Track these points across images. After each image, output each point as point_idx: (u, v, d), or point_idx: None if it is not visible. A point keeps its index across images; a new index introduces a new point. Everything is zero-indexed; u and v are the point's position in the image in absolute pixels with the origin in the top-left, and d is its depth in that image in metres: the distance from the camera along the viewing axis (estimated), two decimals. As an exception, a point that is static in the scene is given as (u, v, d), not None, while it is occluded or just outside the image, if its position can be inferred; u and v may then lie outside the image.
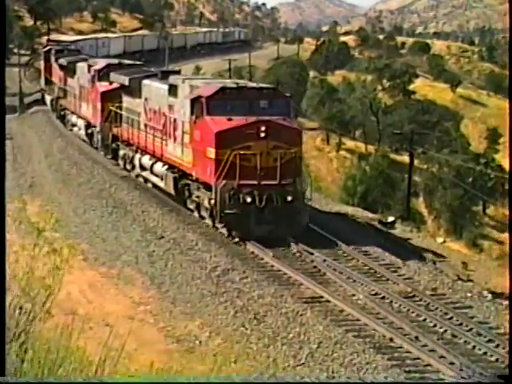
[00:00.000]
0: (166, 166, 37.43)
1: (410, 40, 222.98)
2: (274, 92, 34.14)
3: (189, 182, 34.54)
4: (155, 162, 39.34)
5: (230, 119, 31.34)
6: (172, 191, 36.45)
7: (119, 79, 45.44)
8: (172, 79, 37.49)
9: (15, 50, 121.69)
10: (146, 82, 41.19)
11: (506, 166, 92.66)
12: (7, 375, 5.73)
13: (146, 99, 40.72)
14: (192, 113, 32.90)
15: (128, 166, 44.93)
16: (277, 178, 30.68)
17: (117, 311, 23.01)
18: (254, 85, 35.77)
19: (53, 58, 72.65)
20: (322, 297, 25.70)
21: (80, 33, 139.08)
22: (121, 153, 46.26)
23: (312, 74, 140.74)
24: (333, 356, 21.61)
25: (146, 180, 41.85)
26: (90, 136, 53.86)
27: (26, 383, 5.77)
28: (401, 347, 22.01)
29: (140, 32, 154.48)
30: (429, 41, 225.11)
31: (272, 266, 28.81)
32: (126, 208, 38.20)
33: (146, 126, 40.57)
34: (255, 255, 29.89)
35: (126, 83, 43.43)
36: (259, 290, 26.58)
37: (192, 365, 8.03)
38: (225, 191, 30.41)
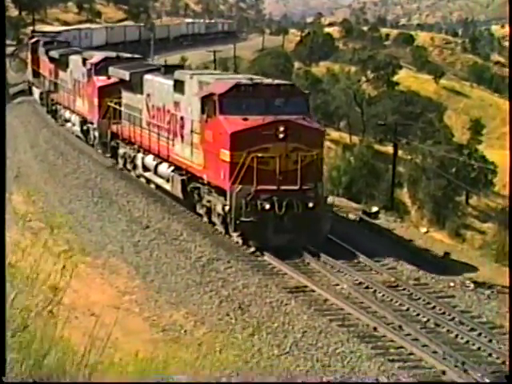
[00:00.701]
0: (173, 168, 34.40)
1: (394, 31, 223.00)
2: (292, 89, 30.62)
3: (199, 185, 31.55)
4: (160, 162, 36.24)
5: (245, 119, 28.23)
6: (180, 195, 33.36)
7: (119, 73, 42.39)
8: (177, 74, 34.39)
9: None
10: (148, 76, 38.16)
11: (489, 156, 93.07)
12: (7, 375, 5.67)
13: (148, 95, 37.69)
14: (203, 111, 29.87)
15: (129, 166, 41.89)
16: (297, 183, 27.62)
17: (102, 301, 23.01)
18: (270, 81, 31.84)
19: (41, 50, 70.27)
20: (306, 286, 25.75)
21: (65, 23, 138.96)
22: (120, 151, 43.09)
23: (297, 65, 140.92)
24: (317, 345, 21.65)
25: (149, 181, 38.91)
26: (86, 133, 50.96)
27: (27, 383, 5.70)
28: (384, 336, 22.08)
29: (122, 23, 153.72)
30: (412, 32, 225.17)
31: (256, 256, 28.81)
32: (111, 198, 38.18)
33: (148, 123, 37.59)
34: (239, 245, 29.86)
35: (127, 78, 40.32)
36: (244, 280, 26.62)
37: (177, 354, 8.06)
38: (241, 197, 27.39)
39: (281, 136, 27.52)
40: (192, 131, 31.16)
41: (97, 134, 46.85)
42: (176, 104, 33.41)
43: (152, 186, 38.36)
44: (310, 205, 27.36)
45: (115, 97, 42.25)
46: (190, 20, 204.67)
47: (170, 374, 6.93)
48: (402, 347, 21.35)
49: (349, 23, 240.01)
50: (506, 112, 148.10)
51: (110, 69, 44.02)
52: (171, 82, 34.05)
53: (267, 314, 23.87)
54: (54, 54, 61.23)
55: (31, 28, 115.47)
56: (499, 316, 24.23)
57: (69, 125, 55.64)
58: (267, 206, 27.04)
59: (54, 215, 34.51)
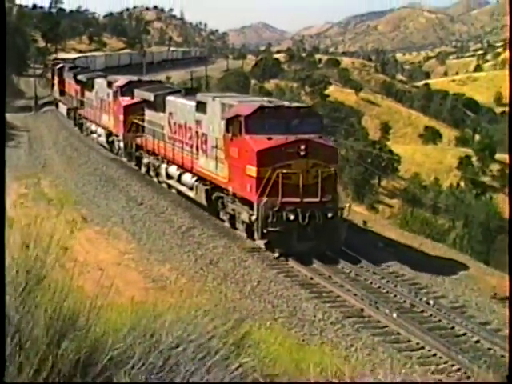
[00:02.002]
0: (196, 178, 30.77)
1: (325, 57, 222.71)
2: (309, 110, 27.63)
3: (222, 194, 28.00)
4: (183, 172, 32.49)
5: (269, 138, 24.88)
6: (204, 202, 29.72)
7: (144, 95, 38.71)
8: (199, 97, 31.21)
9: (31, 65, 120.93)
10: (170, 98, 34.53)
11: (395, 150, 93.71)
12: (6, 376, 5.44)
13: (170, 113, 33.98)
14: (228, 130, 26.39)
15: (152, 173, 37.84)
16: (318, 196, 24.30)
17: (107, 259, 22.91)
18: (290, 104, 28.46)
19: (67, 74, 67.38)
20: (260, 248, 25.71)
21: (80, 52, 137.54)
22: (145, 161, 39.04)
23: (253, 82, 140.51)
24: (269, 291, 21.64)
25: (170, 186, 35.02)
26: (111, 143, 46.90)
27: (26, 383, 5.33)
28: (318, 284, 22.10)
29: (121, 51, 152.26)
30: (338, 58, 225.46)
31: (223, 226, 28.73)
32: (114, 182, 38.01)
33: (170, 138, 33.84)
34: (211, 217, 29.78)
35: (151, 99, 36.70)
36: (214, 243, 26.55)
37: (164, 298, 8.05)
38: (267, 209, 23.98)
39: (302, 153, 24.37)
40: (216, 147, 27.77)
41: (122, 145, 43.54)
42: (198, 122, 30.17)
43: (173, 191, 34.65)
44: (330, 215, 24.17)
45: (138, 114, 39.22)
46: (171, 48, 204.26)
47: (158, 313, 6.89)
48: (331, 291, 21.39)
49: (291, 51, 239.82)
50: (407, 117, 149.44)
51: (136, 91, 40.65)
52: (193, 103, 30.81)
53: (231, 268, 23.84)
54: (82, 77, 57.79)
55: (54, 55, 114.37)
56: (401, 267, 24.39)
57: (94, 136, 52.05)
58: (292, 217, 23.80)
59: (71, 195, 34.36)
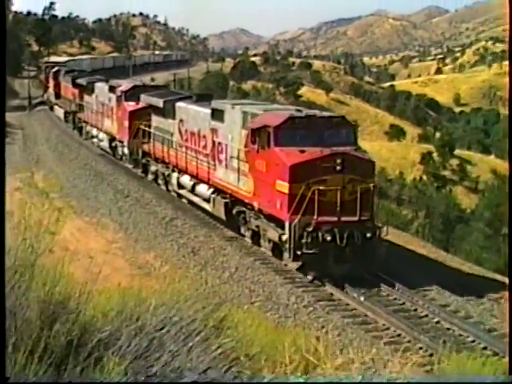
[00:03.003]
0: (212, 189, 26.85)
1: (298, 60, 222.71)
2: (342, 120, 23.29)
3: (244, 209, 24.27)
4: (197, 183, 28.52)
5: (302, 151, 21.09)
6: (223, 216, 25.77)
7: (152, 101, 34.44)
8: (216, 104, 27.27)
9: (25, 67, 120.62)
10: (181, 104, 30.63)
11: (362, 146, 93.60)
12: (6, 376, 5.37)
13: (181, 120, 30.14)
14: (253, 141, 22.58)
15: (160, 181, 33.76)
16: (356, 214, 20.60)
17: (97, 247, 22.86)
18: (321, 113, 24.62)
19: (64, 77, 63.71)
20: (237, 237, 25.69)
21: (70, 55, 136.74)
22: (152, 168, 34.67)
23: (231, 83, 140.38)
24: (246, 277, 21.66)
25: (180, 195, 31.22)
26: (114, 148, 42.84)
27: (26, 383, 5.33)
28: (291, 270, 22.01)
29: (108, 55, 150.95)
30: (310, 61, 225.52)
31: (203, 217, 28.67)
32: (102, 176, 37.91)
33: (181, 146, 29.94)
34: (192, 208, 29.73)
35: (160, 105, 32.55)
36: (195, 232, 26.55)
37: (148, 284, 8.05)
38: (301, 228, 20.35)
39: (338, 168, 20.63)
40: (238, 158, 23.93)
41: (126, 151, 39.53)
42: (213, 130, 26.43)
43: (184, 200, 30.90)
44: (368, 235, 20.57)
45: (144, 120, 35.22)
46: (155, 52, 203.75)
47: (143, 298, 6.88)
48: (303, 278, 21.31)
49: (267, 54, 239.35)
50: (374, 116, 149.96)
51: (142, 96, 36.40)
52: (207, 110, 27.09)
53: (211, 255, 23.85)
54: (81, 81, 53.65)
55: (46, 58, 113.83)
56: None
57: (95, 140, 47.75)
58: (329, 238, 20.16)
59: (62, 188, 34.23)
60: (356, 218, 20.54)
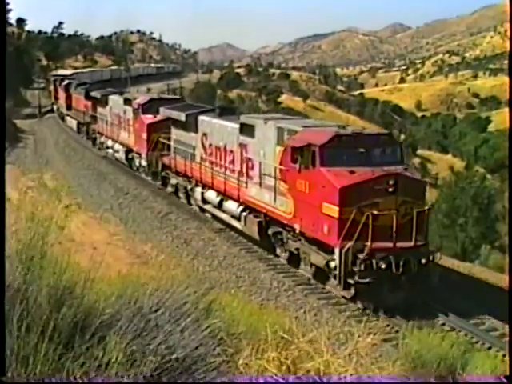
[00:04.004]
0: (242, 207, 23.36)
1: (278, 71, 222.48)
2: (389, 138, 19.79)
3: (280, 229, 20.79)
4: (225, 199, 24.91)
5: (352, 172, 17.68)
6: (256, 236, 22.30)
7: (173, 114, 30.35)
8: (245, 119, 23.65)
9: (36, 80, 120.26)
10: (204, 118, 26.95)
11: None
12: (7, 376, 5.28)
13: (204, 134, 26.53)
14: (294, 160, 19.03)
15: (181, 195, 30.17)
16: (412, 239, 17.21)
17: (100, 239, 22.76)
18: (369, 131, 21.61)
19: (74, 90, 61.21)
20: (225, 229, 25.67)
21: (75, 68, 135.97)
22: (172, 181, 30.93)
23: (219, 91, 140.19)
24: (233, 264, 21.68)
25: (203, 209, 27.69)
26: (130, 160, 38.74)
27: (26, 383, 5.24)
28: (274, 259, 22.08)
29: (107, 68, 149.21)
30: (289, 72, 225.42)
31: (195, 211, 28.64)
32: (105, 176, 37.83)
33: (204, 160, 26.51)
34: (184, 204, 29.67)
35: (183, 119, 28.57)
36: (187, 225, 26.53)
37: (146, 272, 8.08)
38: (353, 255, 17.12)
39: (390, 190, 17.39)
40: (275, 178, 20.42)
41: (144, 162, 35.74)
42: (242, 146, 23.05)
43: (207, 214, 27.51)
44: (423, 261, 17.36)
45: (162, 132, 31.84)
46: (150, 65, 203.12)
47: (141, 284, 6.91)
48: (284, 264, 21.35)
49: (250, 66, 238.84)
50: (346, 120, 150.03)
51: (162, 109, 32.47)
52: (235, 125, 23.77)
53: (202, 245, 23.86)
54: (96, 94, 49.55)
55: (54, 72, 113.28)
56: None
57: (110, 151, 43.50)
58: (383, 266, 16.88)
59: (69, 187, 34.13)
60: (411, 244, 17.26)
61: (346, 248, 16.96)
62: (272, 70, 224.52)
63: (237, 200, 23.61)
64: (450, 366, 10.10)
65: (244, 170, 22.92)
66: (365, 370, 6.58)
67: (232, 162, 24.01)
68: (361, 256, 16.91)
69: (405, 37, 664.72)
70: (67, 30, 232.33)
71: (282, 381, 5.98)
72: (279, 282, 19.70)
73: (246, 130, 22.71)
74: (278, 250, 21.48)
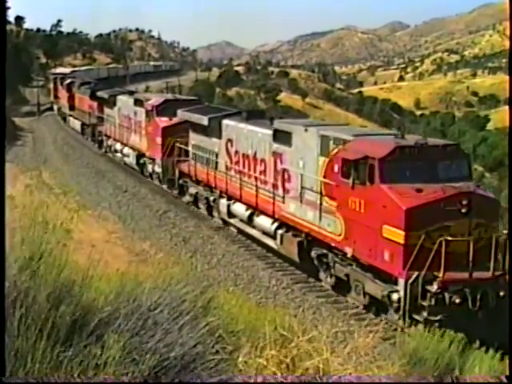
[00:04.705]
0: (277, 224, 20.72)
1: (277, 69, 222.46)
2: (456, 150, 16.69)
3: (326, 251, 18.18)
4: (256, 214, 22.35)
5: (419, 190, 15.06)
6: (295, 257, 19.64)
7: (193, 117, 27.53)
8: (279, 124, 20.97)
9: (35, 78, 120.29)
10: (229, 122, 24.35)
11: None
12: (7, 376, 5.25)
13: (229, 140, 24.09)
14: (344, 175, 16.43)
15: (201, 205, 27.66)
16: (489, 269, 14.57)
17: (98, 237, 22.73)
18: (433, 141, 17.00)
19: (77, 89, 57.84)
20: (224, 227, 25.62)
21: (74, 66, 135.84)
22: (192, 190, 28.20)
23: (218, 89, 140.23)
24: (231, 262, 21.67)
25: (226, 222, 25.21)
26: (142, 165, 35.74)
27: (26, 383, 5.20)
28: (273, 257, 22.06)
29: (97, 67, 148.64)
30: (288, 70, 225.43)
31: (192, 209, 28.58)
32: (103, 174, 37.81)
33: (230, 169, 24.10)
34: (184, 203, 29.65)
35: (205, 123, 25.83)
36: (186, 223, 26.50)
37: (144, 269, 8.05)
38: (421, 287, 14.52)
39: (463, 210, 14.83)
40: (320, 193, 17.79)
41: (157, 169, 32.76)
42: (276, 155, 20.64)
43: (232, 228, 25.02)
44: (502, 294, 14.59)
45: (177, 137, 29.36)
46: (140, 62, 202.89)
47: (139, 282, 6.90)
48: (282, 263, 21.32)
49: (249, 64, 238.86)
50: (345, 118, 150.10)
51: (179, 112, 29.60)
52: (267, 131, 21.30)
53: (201, 243, 23.83)
54: (103, 94, 46.37)
55: (53, 70, 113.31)
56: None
57: (119, 155, 40.57)
58: (458, 300, 14.31)
59: (67, 185, 34.10)
60: (489, 275, 14.65)
61: (412, 279, 14.57)
62: (271, 68, 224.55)
63: (271, 216, 21.09)
64: (447, 364, 10.08)
65: (279, 183, 20.49)
66: (364, 369, 6.58)
67: (264, 172, 21.62)
68: (430, 288, 14.50)
69: (404, 35, 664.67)
70: (66, 27, 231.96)
71: (281, 379, 5.98)
72: (277, 280, 19.71)
73: (281, 137, 20.31)
74: (323, 275, 18.94)
